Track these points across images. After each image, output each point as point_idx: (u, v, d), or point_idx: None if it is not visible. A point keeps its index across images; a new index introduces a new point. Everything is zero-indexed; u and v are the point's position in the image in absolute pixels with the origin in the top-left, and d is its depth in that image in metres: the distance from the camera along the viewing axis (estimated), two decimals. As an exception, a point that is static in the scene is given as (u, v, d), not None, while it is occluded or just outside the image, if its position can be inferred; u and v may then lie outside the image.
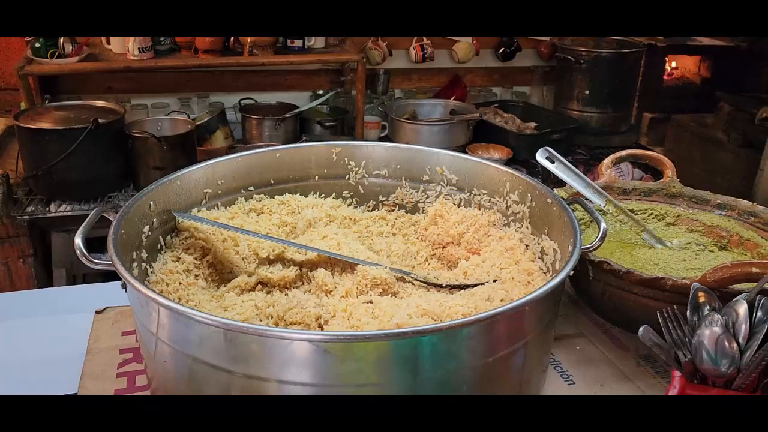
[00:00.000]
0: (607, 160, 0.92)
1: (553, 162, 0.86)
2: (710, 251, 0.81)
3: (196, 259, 0.70)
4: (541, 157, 0.87)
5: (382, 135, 2.09)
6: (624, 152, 0.92)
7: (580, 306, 0.78)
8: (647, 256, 0.79)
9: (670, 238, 0.84)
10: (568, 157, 2.01)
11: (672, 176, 0.90)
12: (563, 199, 0.69)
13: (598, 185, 0.86)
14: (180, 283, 0.66)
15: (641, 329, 0.53)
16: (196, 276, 0.69)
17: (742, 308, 0.53)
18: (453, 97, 2.22)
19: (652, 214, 0.88)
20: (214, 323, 0.48)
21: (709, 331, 0.53)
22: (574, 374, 0.68)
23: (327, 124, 2.02)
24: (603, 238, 0.63)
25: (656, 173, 1.26)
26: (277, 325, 0.64)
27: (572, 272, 0.56)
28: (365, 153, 0.85)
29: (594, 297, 0.74)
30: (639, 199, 0.90)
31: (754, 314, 0.54)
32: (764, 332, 0.51)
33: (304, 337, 0.47)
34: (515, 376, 0.56)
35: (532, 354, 0.56)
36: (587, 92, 2.15)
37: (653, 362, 0.70)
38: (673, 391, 0.54)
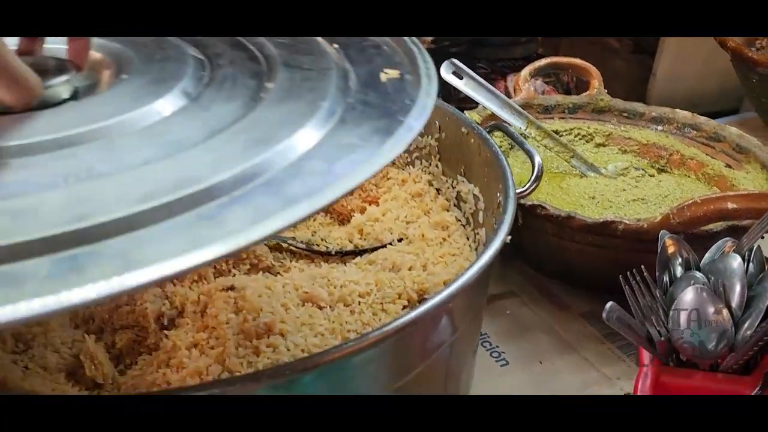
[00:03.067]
0: (525, 73, 0.76)
1: (461, 78, 0.69)
2: (651, 176, 0.68)
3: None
4: (446, 72, 0.70)
5: None
6: (543, 61, 0.76)
7: (507, 257, 0.63)
8: (580, 188, 0.65)
9: (603, 163, 0.70)
10: (467, 73, 1.87)
11: (599, 87, 0.75)
12: (479, 125, 0.53)
13: (516, 104, 0.70)
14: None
15: (607, 309, 0.38)
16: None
17: (735, 263, 0.39)
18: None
19: (578, 134, 0.74)
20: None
21: (692, 297, 0.39)
22: (506, 350, 0.53)
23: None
24: (539, 177, 0.47)
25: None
26: (100, 332, 0.45)
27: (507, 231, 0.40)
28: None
29: (525, 247, 0.59)
30: (563, 118, 0.75)
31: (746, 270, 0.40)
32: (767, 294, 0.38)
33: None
34: (440, 380, 0.41)
35: (461, 349, 0.40)
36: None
37: (599, 322, 0.56)
38: (645, 382, 0.41)
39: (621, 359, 0.53)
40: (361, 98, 0.35)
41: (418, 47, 0.40)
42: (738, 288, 0.39)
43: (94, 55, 0.40)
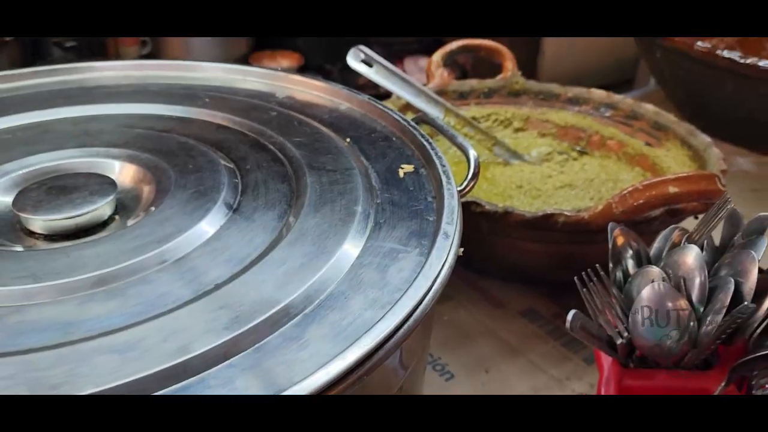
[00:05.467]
0: (437, 57, 0.72)
1: (371, 66, 0.64)
2: (574, 160, 0.66)
3: None
4: (354, 60, 0.65)
5: (144, 52, 1.71)
6: (454, 44, 0.72)
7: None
8: (506, 177, 0.62)
9: (524, 148, 0.67)
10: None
11: (513, 69, 0.72)
12: (406, 118, 0.48)
13: (431, 91, 0.66)
14: None
15: (570, 318, 0.35)
16: None
17: (693, 255, 0.37)
18: None
19: (496, 120, 0.70)
20: None
21: (652, 294, 0.36)
22: (449, 362, 0.49)
23: (68, 45, 1.60)
24: (477, 174, 0.42)
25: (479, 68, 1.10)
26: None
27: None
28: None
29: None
30: (479, 103, 0.72)
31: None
32: (729, 286, 0.35)
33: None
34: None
35: (412, 382, 0.36)
36: (375, -17, 1.93)
37: (540, 319, 0.53)
38: (609, 387, 0.37)
39: (567, 357, 0.50)
40: (387, 198, 0.38)
41: (427, 140, 0.42)
42: (698, 281, 0.36)
43: (129, 167, 0.40)
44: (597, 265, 0.39)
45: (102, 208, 0.35)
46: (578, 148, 0.68)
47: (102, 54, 1.65)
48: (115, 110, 0.49)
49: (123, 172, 0.40)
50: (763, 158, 0.78)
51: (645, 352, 0.37)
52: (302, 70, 1.68)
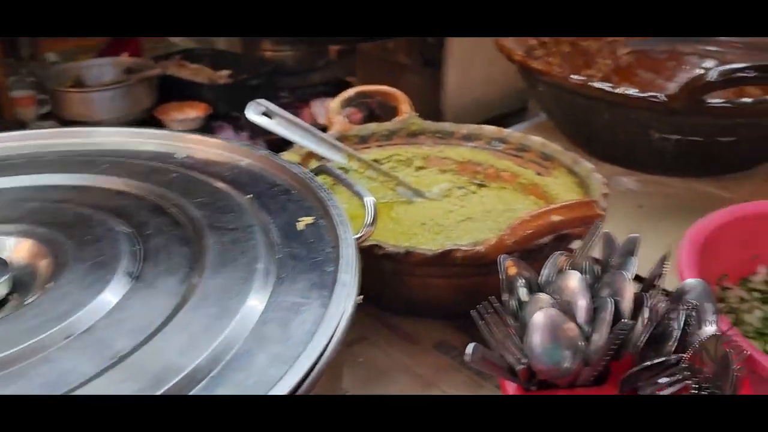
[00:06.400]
0: (335, 104, 0.74)
1: (271, 117, 0.65)
2: (473, 193, 0.69)
3: None
4: (254, 113, 0.66)
5: (42, 112, 1.66)
6: (351, 91, 0.75)
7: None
8: (410, 215, 0.65)
9: (427, 185, 0.70)
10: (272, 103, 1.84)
11: (410, 111, 0.76)
12: (305, 170, 0.50)
13: (332, 138, 0.68)
14: None
15: (469, 352, 0.37)
16: None
17: (575, 280, 0.40)
18: (125, 53, 1.84)
19: (398, 160, 0.73)
20: None
21: (543, 320, 0.39)
22: (368, 402, 0.50)
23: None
24: (374, 220, 0.44)
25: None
26: None
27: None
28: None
29: (366, 288, 0.56)
30: (380, 146, 0.74)
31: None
32: (609, 306, 0.39)
33: None
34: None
35: None
36: (277, 29, 1.96)
37: (453, 350, 0.56)
38: (514, 411, 0.40)
39: (480, 385, 0.52)
40: (287, 252, 0.39)
41: (325, 191, 0.44)
42: (583, 303, 0.39)
43: (24, 243, 0.40)
44: (492, 296, 0.41)
45: None
46: (476, 182, 0.71)
47: (-4, 116, 1.59)
48: (8, 184, 0.48)
49: (17, 248, 0.40)
50: (645, 176, 0.84)
51: (543, 374, 0.40)
52: (210, 119, 1.68)
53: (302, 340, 0.32)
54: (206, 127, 1.67)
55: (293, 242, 0.41)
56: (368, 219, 0.44)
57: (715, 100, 0.70)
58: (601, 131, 0.81)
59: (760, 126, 0.74)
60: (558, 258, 0.44)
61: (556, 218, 0.48)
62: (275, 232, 0.42)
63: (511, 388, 0.41)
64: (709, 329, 0.39)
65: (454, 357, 0.55)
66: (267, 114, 0.65)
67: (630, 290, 0.39)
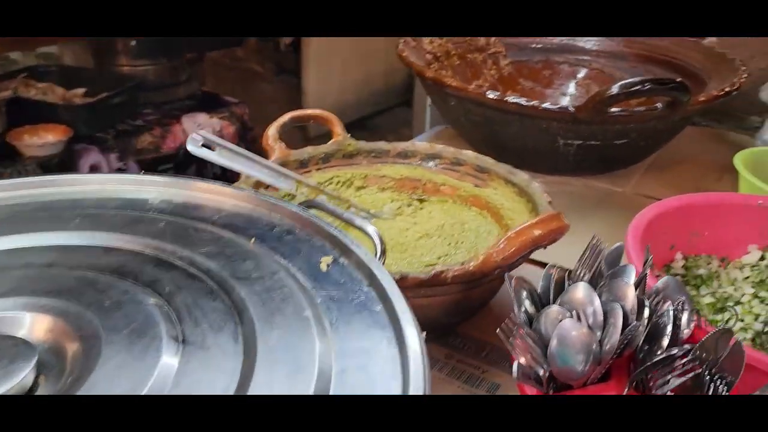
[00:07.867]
0: (272, 131, 0.73)
1: (213, 149, 0.63)
2: (420, 208, 0.72)
3: None
4: (194, 146, 0.63)
5: None
6: (287, 116, 0.74)
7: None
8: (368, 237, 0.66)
9: (371, 205, 0.72)
10: (138, 121, 1.73)
11: (343, 133, 0.77)
12: (305, 209, 0.49)
13: (277, 166, 0.67)
14: None
15: (515, 369, 0.39)
16: None
17: (582, 290, 0.44)
18: (-44, 74, 1.64)
19: (339, 181, 0.74)
20: None
21: (566, 330, 0.43)
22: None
23: None
24: (385, 251, 0.46)
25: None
26: None
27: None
28: None
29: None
30: (320, 168, 0.75)
31: (586, 291, 0.46)
32: (618, 310, 0.43)
33: None
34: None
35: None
36: (133, 43, 1.85)
37: (436, 363, 0.58)
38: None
39: (472, 393, 0.55)
40: (324, 295, 0.38)
41: (335, 229, 0.43)
42: (592, 310, 0.44)
43: (40, 318, 0.36)
44: (511, 314, 0.44)
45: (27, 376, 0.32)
46: (416, 197, 0.74)
47: None
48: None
49: (35, 326, 0.36)
50: (550, 177, 0.93)
51: (562, 377, 0.44)
52: (73, 141, 1.55)
53: (388, 387, 0.32)
54: (69, 152, 1.54)
55: (325, 284, 0.40)
56: (379, 250, 0.46)
57: (613, 109, 0.79)
58: (511, 139, 0.88)
59: (647, 128, 0.84)
60: (551, 269, 0.48)
61: (536, 232, 0.52)
62: (300, 276, 0.41)
63: (531, 392, 0.44)
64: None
65: (440, 369, 0.58)
66: (208, 145, 0.63)
67: (632, 295, 0.44)
